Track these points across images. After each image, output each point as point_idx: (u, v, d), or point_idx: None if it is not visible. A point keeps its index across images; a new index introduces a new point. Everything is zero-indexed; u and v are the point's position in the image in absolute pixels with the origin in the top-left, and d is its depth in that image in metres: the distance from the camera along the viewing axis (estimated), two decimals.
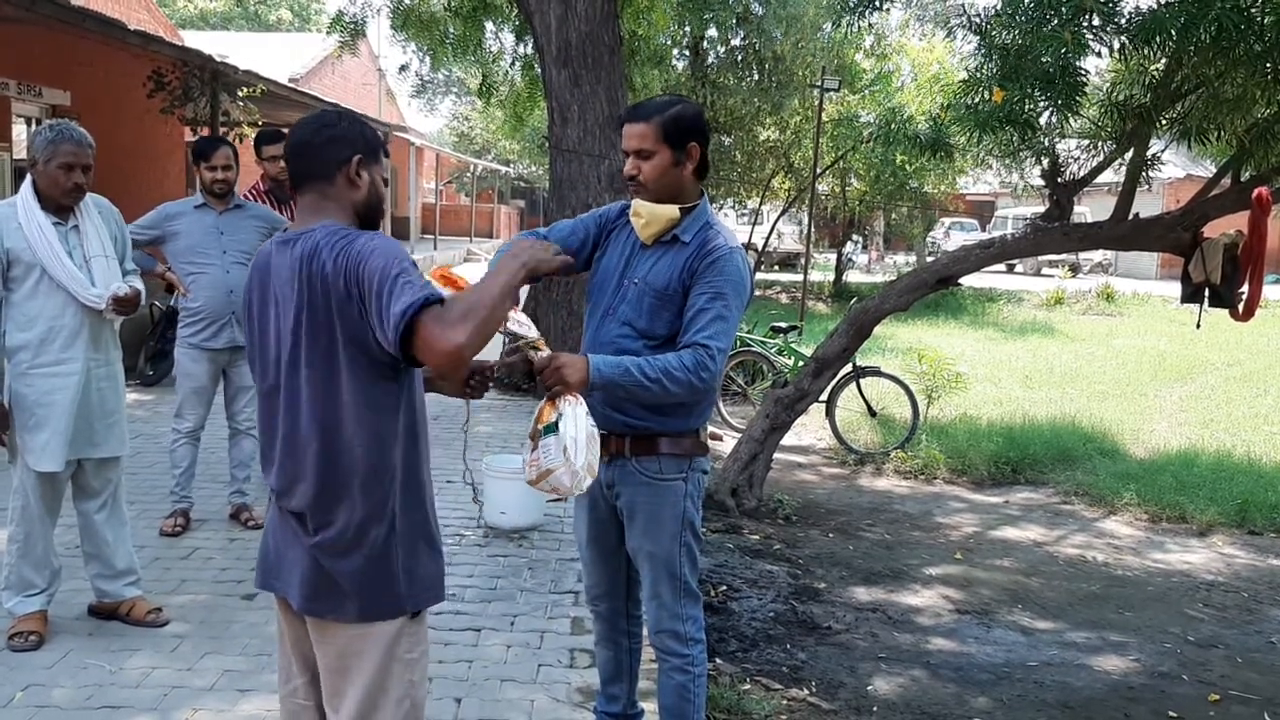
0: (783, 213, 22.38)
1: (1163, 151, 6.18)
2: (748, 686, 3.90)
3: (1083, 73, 4.84)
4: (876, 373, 8.29)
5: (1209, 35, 4.33)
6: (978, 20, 5.28)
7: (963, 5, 5.70)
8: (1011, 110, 4.87)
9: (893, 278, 9.02)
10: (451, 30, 12.18)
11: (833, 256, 23.63)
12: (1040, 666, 4.37)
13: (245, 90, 13.18)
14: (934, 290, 6.50)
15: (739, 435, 6.85)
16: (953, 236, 29.45)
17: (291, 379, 2.07)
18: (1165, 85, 5.33)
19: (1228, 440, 8.65)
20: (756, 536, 5.86)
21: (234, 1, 41.50)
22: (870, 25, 14.52)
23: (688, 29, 14.65)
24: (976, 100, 5.12)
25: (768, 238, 22.33)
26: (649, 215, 2.73)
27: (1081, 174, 6.15)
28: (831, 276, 22.29)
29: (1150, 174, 6.07)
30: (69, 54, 11.43)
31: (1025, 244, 6.52)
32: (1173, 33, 4.47)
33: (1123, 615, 5.06)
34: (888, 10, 9.81)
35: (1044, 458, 7.92)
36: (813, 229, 15.09)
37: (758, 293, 18.71)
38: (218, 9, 40.61)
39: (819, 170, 14.93)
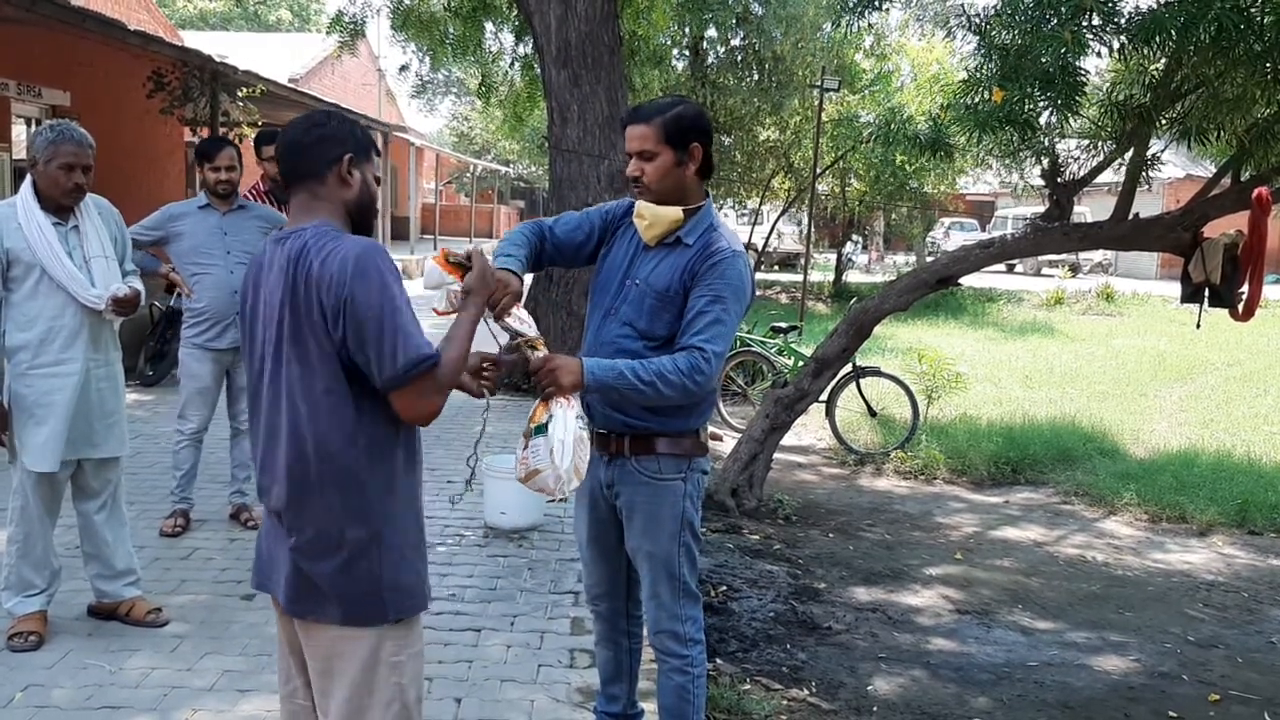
0: (782, 213, 22.42)
1: (1163, 151, 6.18)
2: (748, 687, 3.90)
3: (1082, 72, 4.84)
4: (876, 373, 8.29)
5: (1209, 35, 4.33)
6: (977, 20, 5.27)
7: (962, 5, 5.69)
8: (1011, 110, 4.86)
9: (892, 278, 9.02)
10: (451, 30, 12.20)
11: (833, 256, 23.63)
12: (1040, 666, 4.37)
13: (245, 90, 13.18)
14: (934, 290, 6.50)
15: (739, 435, 6.85)
16: (952, 236, 29.44)
17: (274, 377, 2.08)
18: (1165, 85, 5.33)
19: (1228, 440, 8.64)
20: (756, 536, 5.86)
21: (234, 2, 41.50)
22: (870, 25, 14.53)
23: (687, 29, 14.66)
24: (976, 100, 5.12)
25: (767, 238, 22.35)
26: (652, 217, 2.72)
27: (1081, 174, 6.15)
28: (831, 276, 22.29)
29: (1150, 174, 6.07)
30: (69, 54, 11.44)
31: (1025, 244, 6.52)
32: (1172, 32, 4.47)
33: (1123, 615, 5.06)
34: (887, 10, 9.82)
35: (1044, 458, 7.91)
36: (812, 229, 15.09)
37: (758, 293, 18.70)
38: (217, 9, 40.62)
39: (819, 170, 14.93)
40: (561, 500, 2.56)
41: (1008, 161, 7.82)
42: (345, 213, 2.16)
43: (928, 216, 21.88)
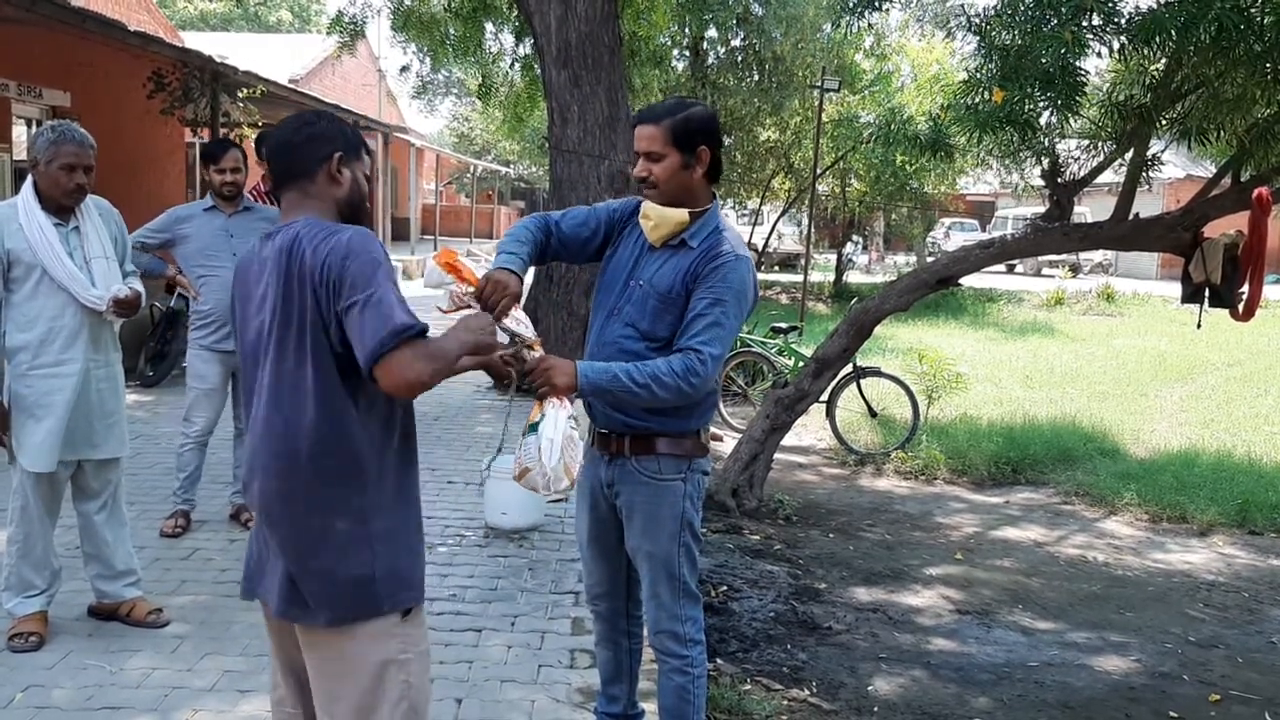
0: (783, 213, 22.44)
1: (1163, 151, 6.18)
2: (748, 687, 3.90)
3: (1083, 73, 4.84)
4: (877, 373, 8.29)
5: (1209, 35, 4.33)
6: (977, 20, 5.28)
7: (962, 5, 5.70)
8: (1011, 110, 4.86)
9: (893, 278, 9.02)
10: (452, 31, 12.20)
11: (833, 257, 23.64)
12: (1041, 667, 4.37)
13: (245, 91, 13.18)
14: (934, 290, 6.50)
15: (739, 436, 6.85)
16: (953, 237, 29.44)
17: (262, 371, 2.08)
18: (1165, 85, 5.33)
19: (1228, 440, 8.64)
20: (757, 537, 5.86)
21: (234, 2, 41.51)
22: (870, 26, 14.53)
23: (688, 29, 14.67)
24: (976, 100, 5.12)
25: (768, 238, 22.37)
26: (658, 218, 2.72)
27: (1081, 174, 6.15)
28: (832, 277, 22.29)
29: (1150, 174, 6.07)
30: (69, 55, 11.44)
31: (1025, 244, 6.52)
32: (1173, 33, 4.47)
33: (1123, 615, 5.05)
34: (887, 10, 9.81)
35: (1044, 458, 7.91)
36: (813, 229, 15.09)
37: (759, 293, 18.70)
38: (218, 10, 40.63)
39: (819, 171, 14.93)
40: (559, 500, 2.56)
41: (1008, 162, 7.84)
42: (337, 211, 2.16)
43: (928, 217, 21.89)
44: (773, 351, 9.12)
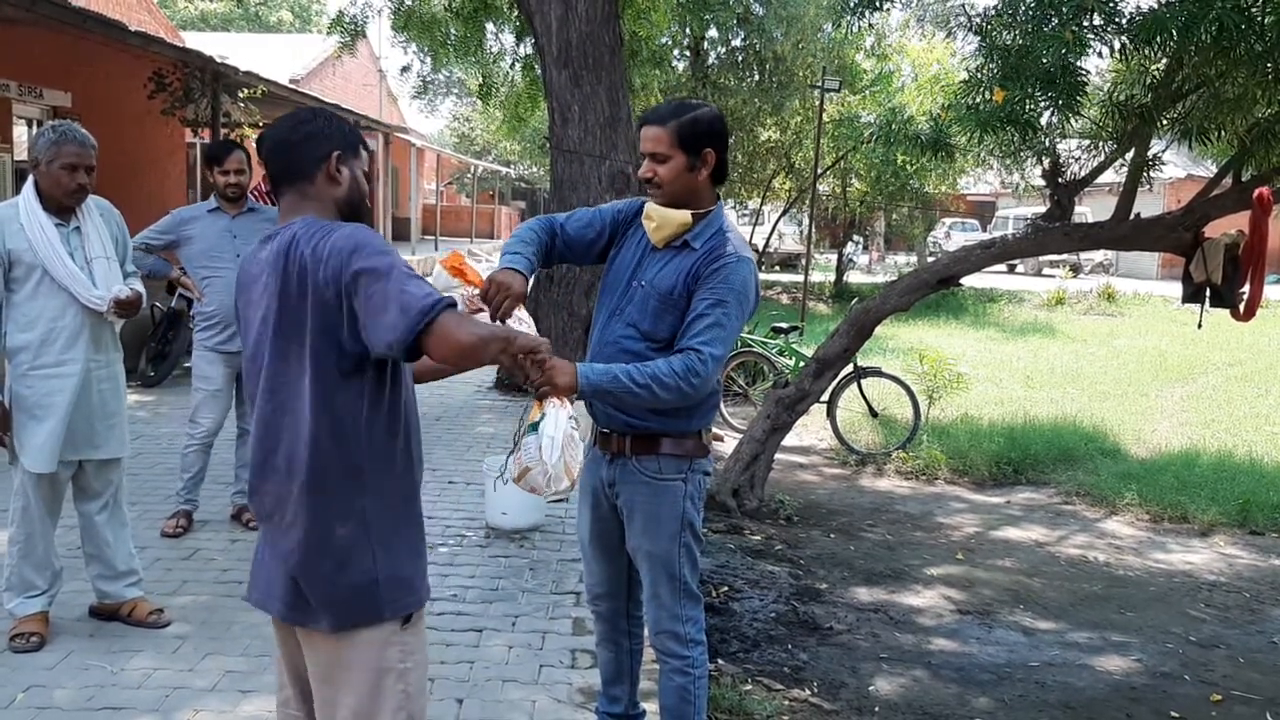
0: (783, 213, 22.43)
1: (1164, 151, 6.18)
2: (749, 687, 3.90)
3: (1083, 73, 4.84)
4: (878, 373, 8.29)
5: (1210, 35, 4.33)
6: (978, 20, 5.27)
7: (963, 5, 5.69)
8: (1012, 110, 4.86)
9: (893, 278, 9.02)
10: (452, 31, 12.19)
11: (833, 257, 23.64)
12: (1042, 667, 4.37)
13: (246, 91, 13.19)
14: (935, 290, 6.50)
15: (740, 436, 6.85)
16: (954, 237, 29.46)
17: (269, 374, 2.06)
18: (1166, 85, 5.33)
19: (1229, 440, 8.64)
20: (758, 537, 5.85)
21: (235, 3, 41.52)
22: (870, 26, 14.54)
23: (688, 29, 14.66)
24: (977, 100, 5.12)
25: (768, 238, 22.37)
26: (661, 219, 2.72)
27: (1082, 174, 6.15)
28: (832, 277, 22.30)
29: (1151, 174, 6.06)
30: (70, 55, 11.44)
31: (1026, 244, 6.52)
32: (1174, 32, 4.47)
33: (1124, 615, 5.05)
34: (888, 10, 9.81)
35: (1045, 458, 7.91)
36: (813, 229, 15.09)
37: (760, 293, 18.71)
38: (218, 10, 40.63)
39: (820, 170, 14.93)
40: (559, 500, 2.55)
41: (1009, 162, 7.83)
42: (336, 210, 2.13)
43: (929, 217, 21.90)
44: (773, 351, 9.12)
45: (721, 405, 8.81)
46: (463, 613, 4.13)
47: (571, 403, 2.53)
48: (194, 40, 19.64)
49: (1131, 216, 5.91)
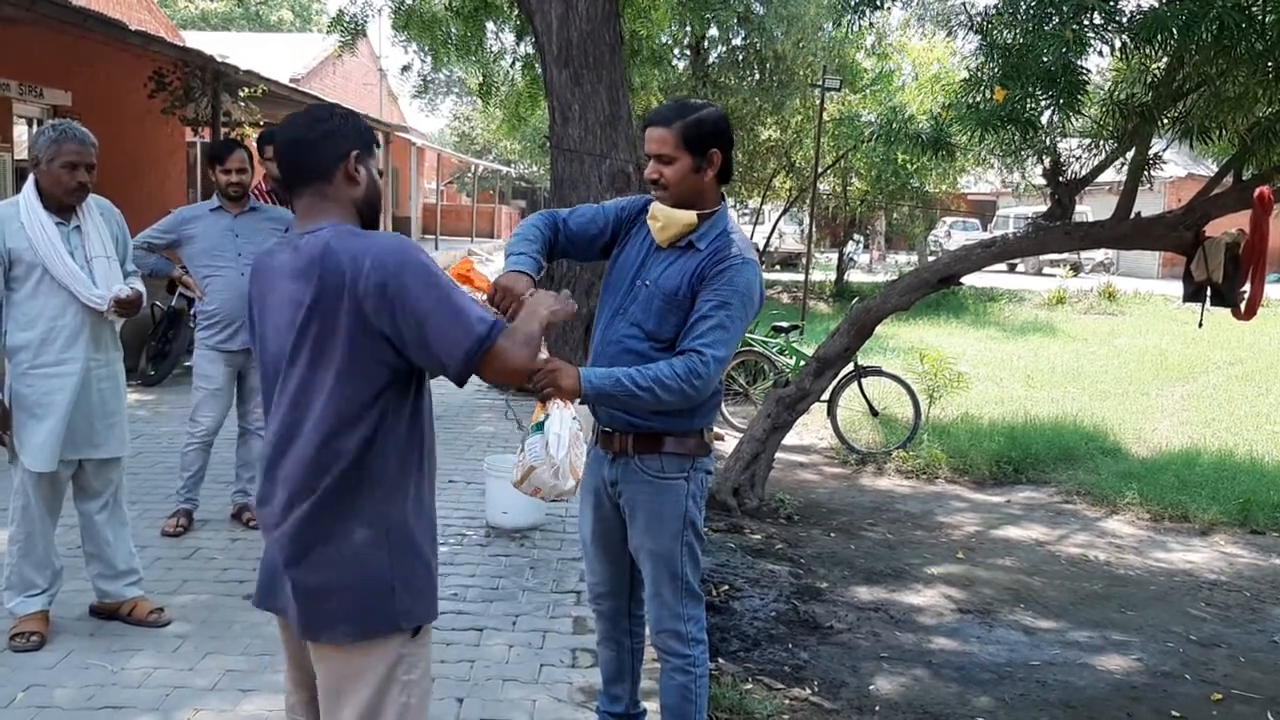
0: (784, 212, 22.43)
1: (1164, 150, 6.17)
2: (750, 686, 3.89)
3: (1084, 71, 4.83)
4: (878, 372, 8.28)
5: (1210, 34, 4.32)
6: (978, 19, 5.27)
7: (963, 4, 5.69)
8: (1013, 109, 4.85)
9: (894, 277, 9.02)
10: (453, 30, 12.19)
11: (834, 256, 23.64)
12: (1043, 666, 4.37)
13: (246, 90, 13.19)
14: (935, 290, 6.49)
15: (741, 435, 6.85)
16: (954, 236, 29.45)
17: (291, 381, 2.01)
18: (1167, 84, 5.32)
19: (1230, 439, 8.64)
20: (758, 536, 5.85)
21: (235, 2, 41.51)
22: (871, 24, 14.51)
23: (689, 28, 14.65)
24: (978, 99, 5.11)
25: (769, 237, 22.36)
26: (666, 219, 2.71)
27: (1083, 173, 6.14)
28: (833, 276, 22.29)
29: (1152, 173, 6.06)
30: (70, 54, 11.44)
31: (1027, 243, 6.51)
32: (1174, 31, 4.46)
33: (1125, 615, 5.05)
34: (888, 9, 9.81)
35: (1046, 457, 7.91)
36: (814, 228, 15.08)
37: None
38: (219, 9, 40.63)
39: (820, 169, 14.93)
40: (556, 501, 2.55)
41: (1009, 161, 7.82)
42: (355, 211, 2.08)
43: (929, 216, 21.88)
44: (774, 350, 9.12)
45: (722, 404, 8.81)
46: (463, 612, 4.13)
47: (575, 405, 2.54)
48: (194, 39, 19.65)
49: (1132, 215, 5.90)
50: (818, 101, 13.53)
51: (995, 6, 5.12)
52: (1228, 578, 5.68)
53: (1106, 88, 5.85)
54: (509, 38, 13.00)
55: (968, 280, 7.17)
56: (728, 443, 7.55)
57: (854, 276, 23.64)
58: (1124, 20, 4.81)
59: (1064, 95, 4.78)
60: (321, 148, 2.05)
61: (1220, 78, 5.10)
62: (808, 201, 15.45)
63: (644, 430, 2.73)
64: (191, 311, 5.43)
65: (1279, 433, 9.05)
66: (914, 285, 6.36)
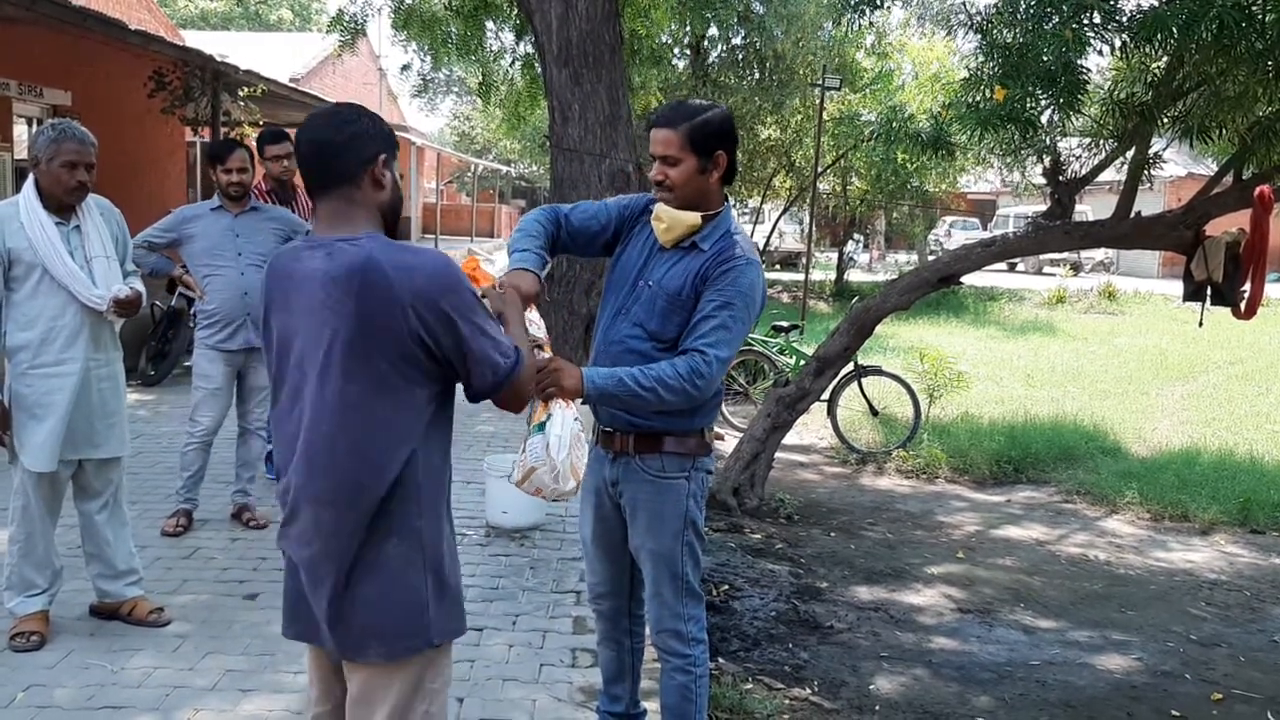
0: (784, 212, 22.43)
1: (1164, 150, 6.17)
2: (750, 686, 3.89)
3: (1084, 71, 4.83)
4: (878, 372, 8.29)
5: (1210, 33, 4.32)
6: (978, 19, 5.27)
7: (963, 3, 5.69)
8: (1013, 108, 4.86)
9: (894, 276, 9.01)
10: (452, 29, 12.18)
11: (834, 255, 23.63)
12: (1043, 665, 4.37)
13: (246, 90, 13.17)
14: (935, 289, 6.49)
15: (741, 434, 6.85)
16: (954, 235, 29.44)
17: (321, 391, 1.95)
18: (1167, 83, 5.32)
19: (1230, 439, 8.64)
20: (758, 535, 5.85)
21: (234, 1, 41.50)
22: (871, 24, 14.51)
23: (689, 27, 14.64)
24: (978, 98, 5.12)
25: (769, 237, 22.36)
26: (670, 220, 2.71)
27: (1083, 172, 6.14)
28: (833, 275, 22.29)
29: (1152, 172, 6.06)
30: (70, 54, 11.43)
31: (1027, 242, 6.52)
32: (1174, 30, 4.46)
33: (1125, 614, 5.05)
34: (888, 9, 9.81)
35: (1046, 457, 7.91)
36: (814, 228, 15.08)
37: None
38: (218, 9, 40.61)
39: (820, 169, 14.93)
40: (558, 500, 2.55)
41: (1009, 160, 7.82)
42: (380, 216, 2.03)
43: (929, 215, 21.88)
44: (774, 350, 9.12)
45: (722, 404, 8.81)
46: None
47: (577, 404, 2.54)
48: (194, 39, 19.64)
49: (1132, 215, 5.90)
50: (818, 101, 13.52)
51: (995, 6, 5.12)
52: (1228, 577, 5.68)
53: (1106, 87, 5.84)
54: (509, 37, 12.99)
55: (968, 280, 7.17)
56: (728, 442, 7.55)
57: (854, 276, 23.64)
58: (1124, 19, 4.81)
59: (1064, 94, 4.78)
60: (349, 150, 1.99)
61: (1220, 77, 5.10)
62: (808, 201, 15.45)
63: (645, 430, 2.73)
64: (191, 311, 5.42)
65: (1279, 432, 9.05)
66: (914, 284, 6.36)
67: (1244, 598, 5.37)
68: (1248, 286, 5.59)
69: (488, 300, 2.47)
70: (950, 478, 7.56)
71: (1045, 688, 4.15)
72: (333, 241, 1.96)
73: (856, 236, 23.72)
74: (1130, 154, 5.91)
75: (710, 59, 16.54)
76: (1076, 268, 27.75)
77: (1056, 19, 4.75)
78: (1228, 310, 5.78)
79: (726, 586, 4.95)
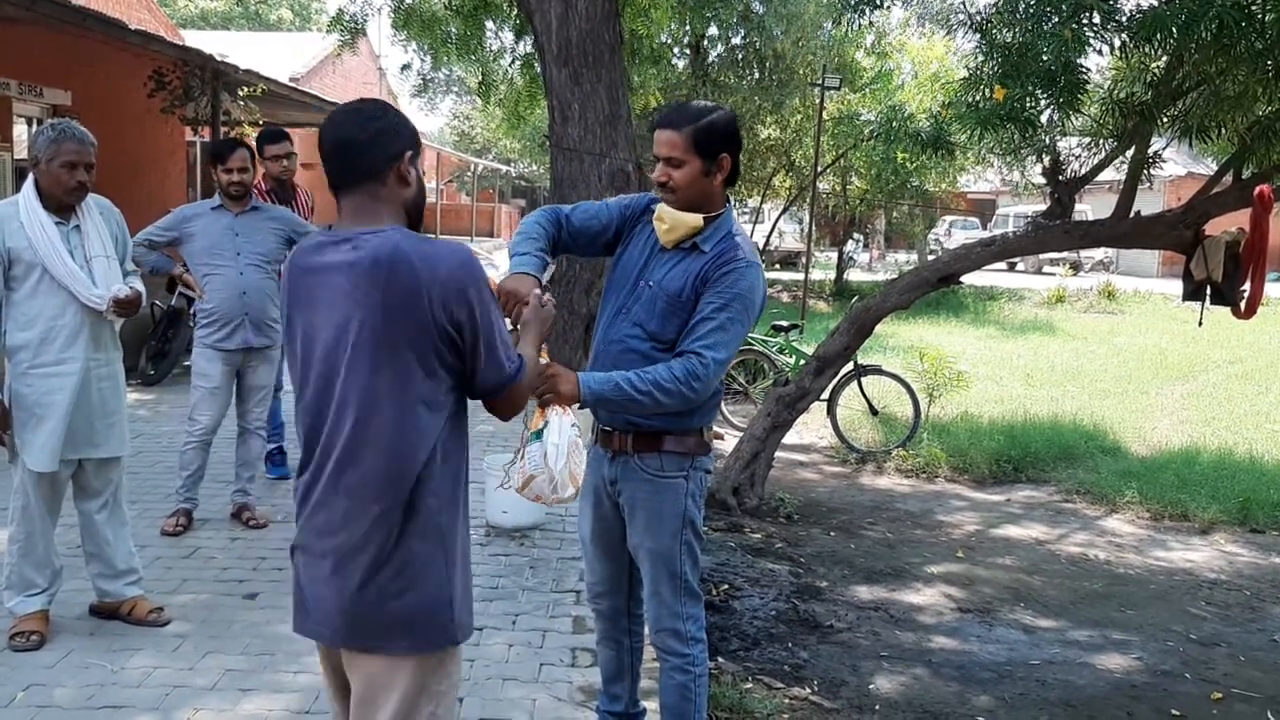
0: (784, 211, 22.43)
1: (1164, 149, 6.17)
2: (750, 685, 3.89)
3: (1084, 70, 4.83)
4: (878, 371, 8.29)
5: (1210, 32, 4.32)
6: (978, 18, 5.27)
7: (963, 3, 5.69)
8: (1013, 108, 4.86)
9: (894, 276, 9.02)
10: (452, 29, 12.18)
11: (834, 255, 23.63)
12: (1042, 665, 4.37)
13: (246, 90, 13.17)
14: (935, 288, 6.49)
15: (740, 434, 6.85)
16: (954, 234, 29.45)
17: (350, 381, 1.94)
18: (1166, 83, 5.32)
19: (1229, 438, 8.64)
20: (758, 535, 5.85)
21: (234, 1, 41.49)
22: (871, 23, 14.51)
23: (688, 27, 14.64)
24: (977, 98, 5.12)
25: (769, 236, 22.36)
26: (672, 221, 2.71)
27: (1083, 172, 6.14)
28: (833, 275, 22.28)
29: (1151, 172, 6.06)
30: (70, 54, 11.43)
31: (1027, 242, 6.52)
32: (1174, 30, 4.46)
33: (1125, 613, 5.05)
34: (888, 8, 9.81)
35: (1045, 456, 7.91)
36: (814, 227, 15.08)
37: None
38: (218, 8, 40.61)
39: (820, 168, 14.93)
40: (558, 504, 2.56)
41: (1009, 159, 7.83)
42: (404, 213, 2.02)
43: (929, 215, 21.88)
44: (774, 349, 9.12)
45: (722, 403, 8.81)
46: None
47: (574, 409, 2.54)
48: (194, 38, 19.63)
49: (1132, 214, 5.90)
50: (817, 100, 13.52)
51: (995, 6, 5.12)
52: (1228, 576, 5.69)
53: (1106, 86, 5.85)
54: (508, 36, 12.99)
55: (967, 279, 7.17)
56: (727, 442, 7.55)
57: (854, 275, 23.64)
58: (1123, 19, 4.81)
59: (1063, 94, 4.78)
60: (375, 147, 1.98)
61: (1220, 76, 5.10)
62: (807, 200, 15.45)
63: (644, 429, 2.73)
64: (191, 310, 5.42)
65: (1279, 431, 9.05)
66: (914, 284, 6.36)
67: (1244, 597, 5.37)
68: (1247, 286, 5.60)
69: (526, 310, 2.46)
70: (950, 477, 7.56)
71: (1045, 687, 4.15)
72: (357, 234, 1.95)
73: (856, 236, 23.73)
74: (1130, 153, 5.91)
75: (710, 59, 16.54)
76: (1076, 267, 27.74)
77: (1056, 19, 4.75)
78: (1227, 310, 5.78)
79: (726, 586, 4.95)
